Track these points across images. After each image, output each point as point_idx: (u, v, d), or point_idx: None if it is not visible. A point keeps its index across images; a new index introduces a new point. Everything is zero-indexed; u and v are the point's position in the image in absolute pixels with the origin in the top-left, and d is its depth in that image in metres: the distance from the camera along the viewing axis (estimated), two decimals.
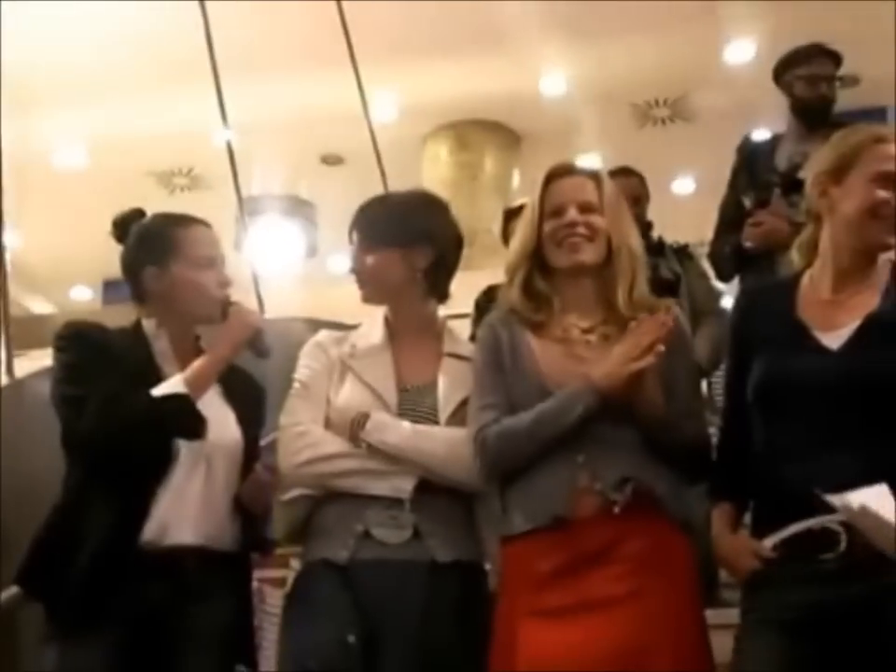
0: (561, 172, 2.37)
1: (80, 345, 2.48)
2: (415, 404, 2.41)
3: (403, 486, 2.32)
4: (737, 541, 2.20)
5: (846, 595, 1.98)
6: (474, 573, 2.38)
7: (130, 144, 10.08)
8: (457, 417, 2.39)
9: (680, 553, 2.19)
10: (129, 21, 8.64)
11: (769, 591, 2.09)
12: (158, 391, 2.36)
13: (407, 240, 2.48)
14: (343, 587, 2.27)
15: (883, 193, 2.15)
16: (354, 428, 2.35)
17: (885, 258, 2.22)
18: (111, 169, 10.54)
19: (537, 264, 2.34)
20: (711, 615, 2.28)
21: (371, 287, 2.51)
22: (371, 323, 2.54)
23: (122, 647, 2.32)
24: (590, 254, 2.30)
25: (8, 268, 4.46)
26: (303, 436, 2.38)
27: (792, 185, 3.76)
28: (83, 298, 13.51)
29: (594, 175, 2.36)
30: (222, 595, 2.41)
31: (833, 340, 2.10)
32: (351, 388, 2.42)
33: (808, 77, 4.10)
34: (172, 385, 2.37)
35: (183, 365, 2.50)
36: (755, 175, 4.11)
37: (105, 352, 2.43)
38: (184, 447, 2.41)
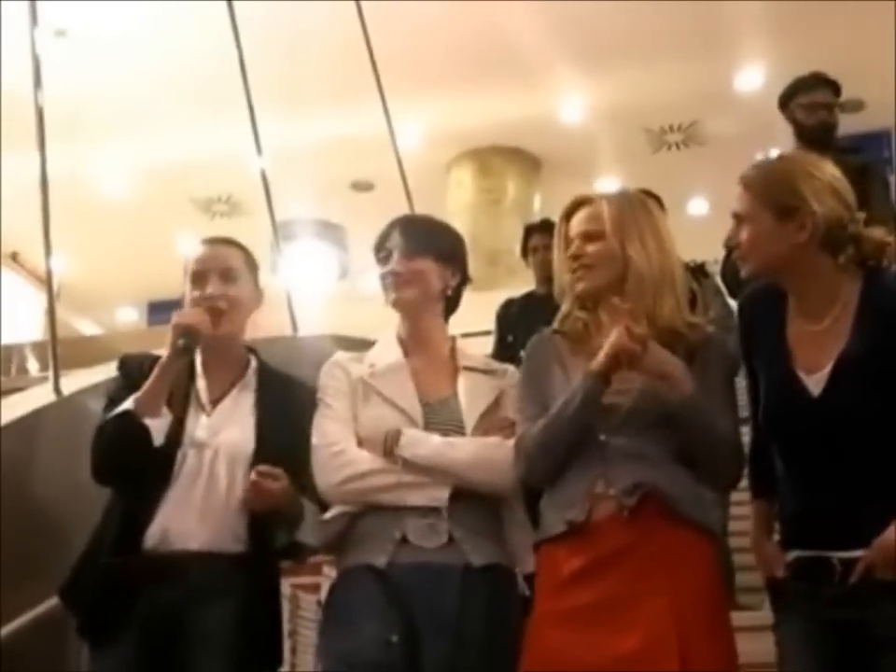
0: (573, 207, 2.39)
1: (118, 377, 2.54)
2: (439, 418, 2.39)
3: (439, 496, 2.30)
4: (767, 549, 2.20)
5: (840, 618, 1.99)
6: (505, 576, 2.36)
7: (172, 172, 10.18)
8: (481, 428, 2.39)
9: (696, 556, 2.15)
10: (171, 56, 8.74)
11: (788, 597, 2.11)
12: (111, 414, 2.39)
13: (446, 257, 2.50)
14: (383, 589, 2.25)
15: None
16: (388, 445, 2.34)
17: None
18: (155, 196, 10.64)
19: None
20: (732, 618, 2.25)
21: (412, 290, 2.46)
22: (385, 342, 2.54)
23: (141, 650, 2.33)
24: (591, 281, 2.30)
25: (56, 291, 4.49)
26: (339, 455, 2.35)
27: None
28: (129, 319, 13.61)
29: (598, 203, 2.35)
30: (231, 596, 2.38)
31: (814, 384, 2.08)
32: (377, 407, 2.40)
33: (809, 104, 4.20)
34: (125, 404, 2.38)
35: (210, 379, 2.51)
36: None
37: (136, 380, 2.45)
38: (189, 456, 2.42)
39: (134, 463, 2.36)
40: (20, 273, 11.79)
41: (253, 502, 2.38)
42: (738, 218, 2.17)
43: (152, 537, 2.37)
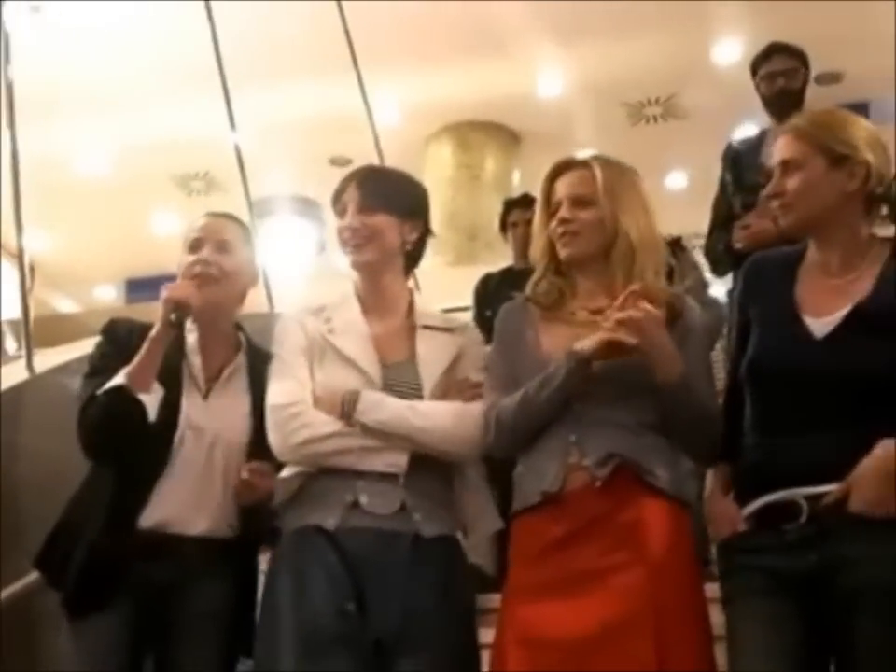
0: (560, 168, 2.35)
1: (102, 343, 2.51)
2: (398, 379, 2.35)
3: (398, 462, 2.27)
4: (723, 506, 2.19)
5: (803, 563, 1.98)
6: (454, 548, 2.35)
7: (148, 149, 10.08)
8: (439, 390, 2.35)
9: (670, 527, 2.14)
10: (146, 33, 8.64)
11: (742, 556, 2.09)
12: (103, 388, 2.35)
13: (404, 212, 2.43)
14: (334, 553, 2.22)
15: None
16: (345, 407, 2.29)
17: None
18: (132, 173, 10.55)
19: (554, 257, 2.32)
20: (706, 589, 2.25)
21: (369, 250, 2.39)
22: (342, 296, 2.47)
23: (127, 626, 2.33)
24: (578, 247, 2.28)
25: (27, 268, 4.45)
26: (298, 416, 2.30)
27: None
28: (107, 297, 13.52)
29: (589, 167, 2.32)
30: (222, 579, 2.40)
31: (821, 327, 2.07)
32: (334, 365, 2.35)
33: (766, 74, 4.23)
34: (116, 378, 2.35)
35: (205, 356, 2.49)
36: (741, 178, 4.12)
37: (124, 348, 2.42)
38: (187, 439, 2.40)
39: (129, 439, 2.33)
40: None
41: (243, 496, 2.39)
42: (786, 166, 2.14)
43: (147, 520, 2.36)
